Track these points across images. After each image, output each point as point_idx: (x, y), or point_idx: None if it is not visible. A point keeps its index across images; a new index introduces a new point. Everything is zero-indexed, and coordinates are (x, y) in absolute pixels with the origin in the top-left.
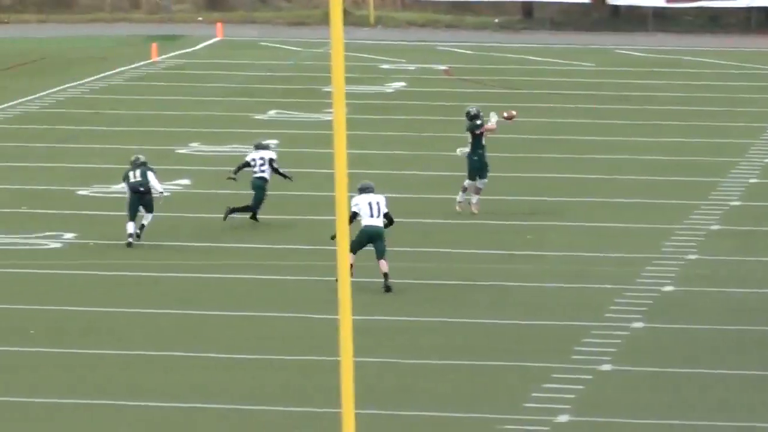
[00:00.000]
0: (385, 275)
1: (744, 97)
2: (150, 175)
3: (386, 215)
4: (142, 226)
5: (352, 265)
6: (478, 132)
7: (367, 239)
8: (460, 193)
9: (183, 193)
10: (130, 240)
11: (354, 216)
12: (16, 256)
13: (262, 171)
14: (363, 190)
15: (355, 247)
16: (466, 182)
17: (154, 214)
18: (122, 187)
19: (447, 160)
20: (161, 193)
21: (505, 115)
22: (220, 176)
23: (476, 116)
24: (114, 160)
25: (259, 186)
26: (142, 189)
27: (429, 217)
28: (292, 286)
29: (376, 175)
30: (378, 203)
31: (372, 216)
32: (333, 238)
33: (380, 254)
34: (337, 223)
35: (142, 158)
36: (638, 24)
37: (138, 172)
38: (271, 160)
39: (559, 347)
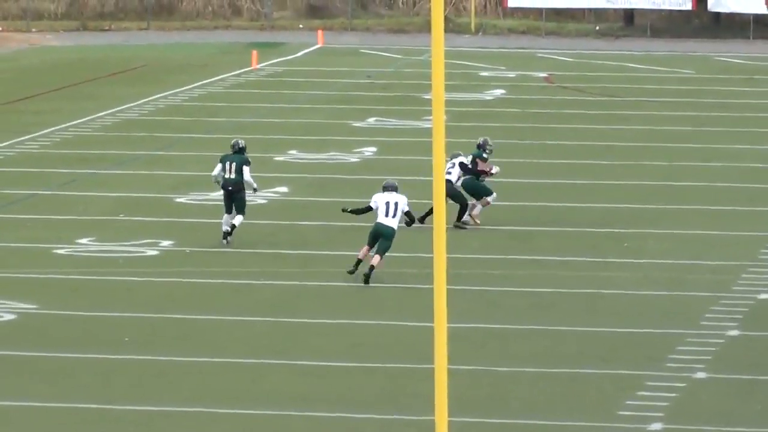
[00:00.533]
0: (371, 267)
1: None
2: (245, 170)
3: (407, 213)
4: (233, 226)
5: (360, 260)
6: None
7: (374, 235)
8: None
9: (280, 201)
10: (225, 232)
11: (368, 209)
12: (113, 263)
13: (448, 174)
14: (385, 188)
15: (369, 241)
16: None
17: (244, 217)
18: (218, 169)
19: (545, 168)
20: (255, 190)
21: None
22: (318, 184)
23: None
24: (212, 167)
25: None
26: (230, 189)
27: (525, 225)
28: (386, 294)
29: None
30: (396, 203)
31: (387, 215)
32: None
33: (380, 251)
34: (434, 231)
35: (242, 143)
36: (739, 31)
37: (234, 166)
38: (461, 164)
39: (654, 355)
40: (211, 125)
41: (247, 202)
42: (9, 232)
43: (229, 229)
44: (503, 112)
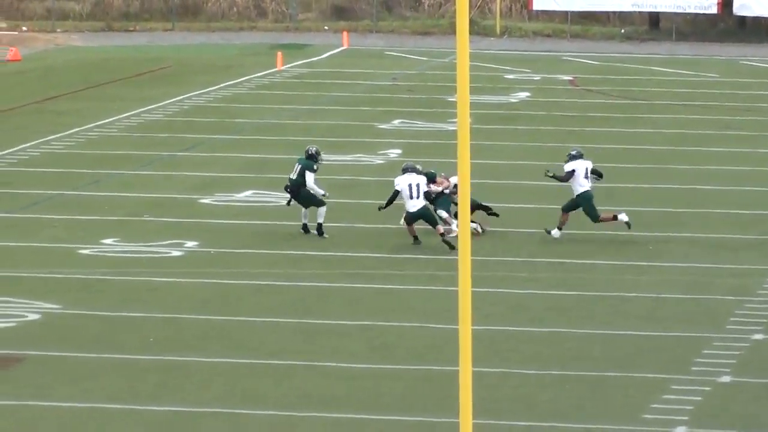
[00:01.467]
0: (443, 235)
1: None
2: (308, 176)
3: (426, 194)
4: (320, 224)
5: (415, 236)
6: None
7: (415, 219)
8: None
9: None
10: (304, 225)
11: (396, 194)
12: (138, 264)
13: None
14: (405, 170)
15: (409, 221)
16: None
17: (324, 207)
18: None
19: None
20: (323, 195)
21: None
22: (342, 186)
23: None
24: (237, 168)
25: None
26: (290, 189)
27: (550, 227)
28: (412, 296)
29: (499, 185)
30: (418, 185)
31: (412, 198)
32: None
33: (433, 224)
34: (459, 233)
35: (313, 150)
36: (765, 35)
37: (298, 168)
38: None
39: (679, 358)
40: (235, 126)
41: (313, 194)
42: (33, 232)
43: (307, 222)
44: (528, 114)
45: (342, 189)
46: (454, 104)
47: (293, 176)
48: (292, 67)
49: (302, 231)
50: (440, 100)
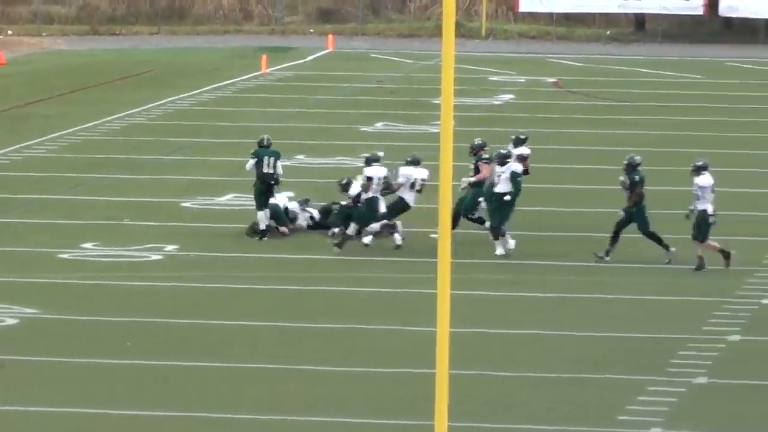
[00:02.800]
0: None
1: None
2: (278, 164)
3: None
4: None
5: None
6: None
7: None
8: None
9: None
10: (263, 231)
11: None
12: (117, 268)
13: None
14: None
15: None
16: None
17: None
18: (252, 163)
19: (552, 173)
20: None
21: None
22: (324, 189)
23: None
24: (219, 172)
25: None
26: (273, 182)
27: (530, 230)
28: (389, 298)
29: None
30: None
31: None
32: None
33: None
34: (439, 236)
35: (270, 138)
36: (750, 36)
37: (272, 160)
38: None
39: (655, 359)
40: (219, 130)
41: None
42: (13, 237)
43: (264, 227)
44: (512, 116)
45: (323, 192)
46: (438, 106)
47: (271, 170)
48: (277, 70)
49: (262, 238)
50: (425, 103)
